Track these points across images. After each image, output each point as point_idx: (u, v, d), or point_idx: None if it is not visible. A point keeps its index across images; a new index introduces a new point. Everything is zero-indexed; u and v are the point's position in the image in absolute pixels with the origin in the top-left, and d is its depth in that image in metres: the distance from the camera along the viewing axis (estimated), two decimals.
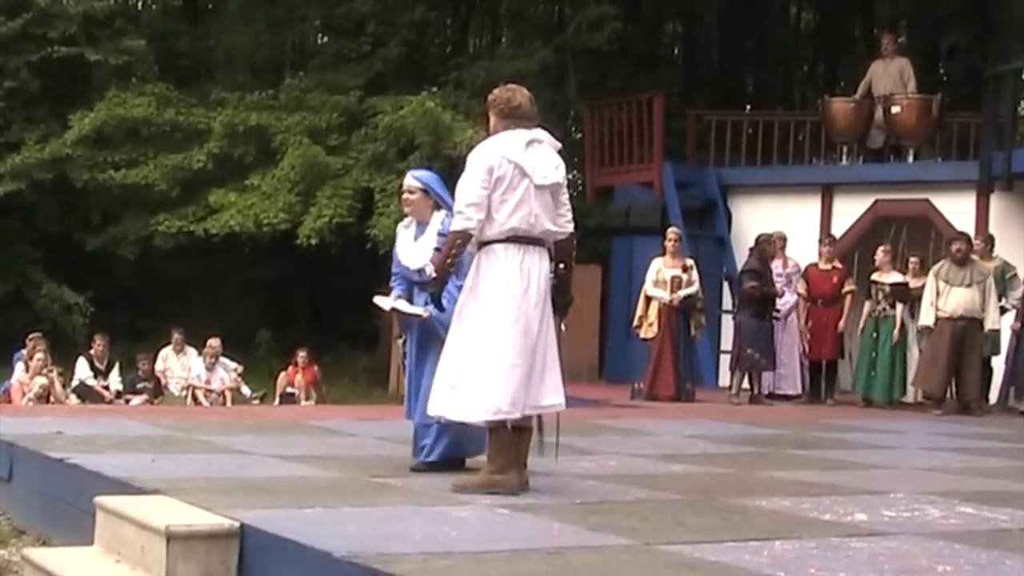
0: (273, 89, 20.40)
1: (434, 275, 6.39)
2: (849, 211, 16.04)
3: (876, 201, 15.76)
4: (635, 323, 13.63)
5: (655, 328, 13.34)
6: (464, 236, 6.13)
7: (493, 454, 6.18)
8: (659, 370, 13.31)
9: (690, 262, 13.60)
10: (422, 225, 6.95)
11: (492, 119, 6.33)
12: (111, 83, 20.30)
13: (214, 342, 16.24)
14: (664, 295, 13.36)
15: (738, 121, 18.31)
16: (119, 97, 19.87)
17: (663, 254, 13.65)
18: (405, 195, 6.99)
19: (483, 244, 6.14)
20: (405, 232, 7.06)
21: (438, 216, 6.89)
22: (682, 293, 13.35)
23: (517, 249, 6.12)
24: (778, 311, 13.56)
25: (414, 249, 6.93)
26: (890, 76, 16.39)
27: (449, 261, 6.23)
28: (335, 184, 19.02)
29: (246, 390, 16.34)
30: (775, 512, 6.01)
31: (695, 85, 24.50)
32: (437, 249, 6.55)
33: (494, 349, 6.03)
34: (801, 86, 25.78)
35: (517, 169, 6.13)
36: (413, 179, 7.01)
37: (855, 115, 16.55)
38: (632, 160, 17.57)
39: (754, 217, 16.41)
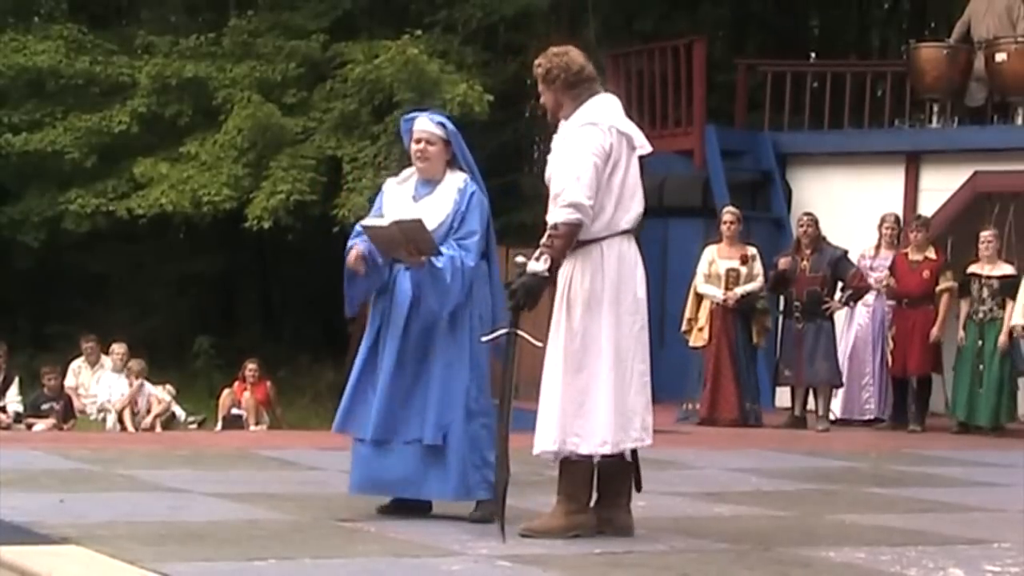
0: (214, 32, 20.40)
1: (546, 272, 6.24)
2: (941, 186, 16.01)
3: (975, 173, 15.74)
4: (683, 326, 13.64)
5: (705, 334, 13.34)
6: (578, 232, 6.27)
7: (574, 491, 6.36)
8: (718, 388, 13.32)
9: (752, 251, 13.58)
10: (428, 183, 6.85)
11: (552, 95, 6.47)
12: (7, 22, 20.28)
13: (119, 347, 16.26)
14: (716, 293, 13.36)
15: (800, 73, 18.28)
16: (18, 41, 19.86)
17: (718, 240, 13.66)
18: (421, 144, 6.84)
19: (594, 240, 6.30)
20: (399, 189, 6.94)
21: (454, 178, 6.82)
22: (739, 291, 13.36)
23: (632, 242, 6.42)
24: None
25: (412, 212, 6.75)
26: (995, 14, 16.33)
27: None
28: (293, 152, 19.03)
29: (180, 412, 16.34)
30: (847, 566, 6.00)
31: (746, 27, 24.49)
32: (547, 244, 6.29)
33: (623, 366, 6.31)
34: (881, 28, 25.74)
35: (627, 142, 6.41)
36: (435, 125, 6.87)
37: (949, 64, 16.51)
38: (666, 123, 17.55)
39: (820, 194, 16.37)
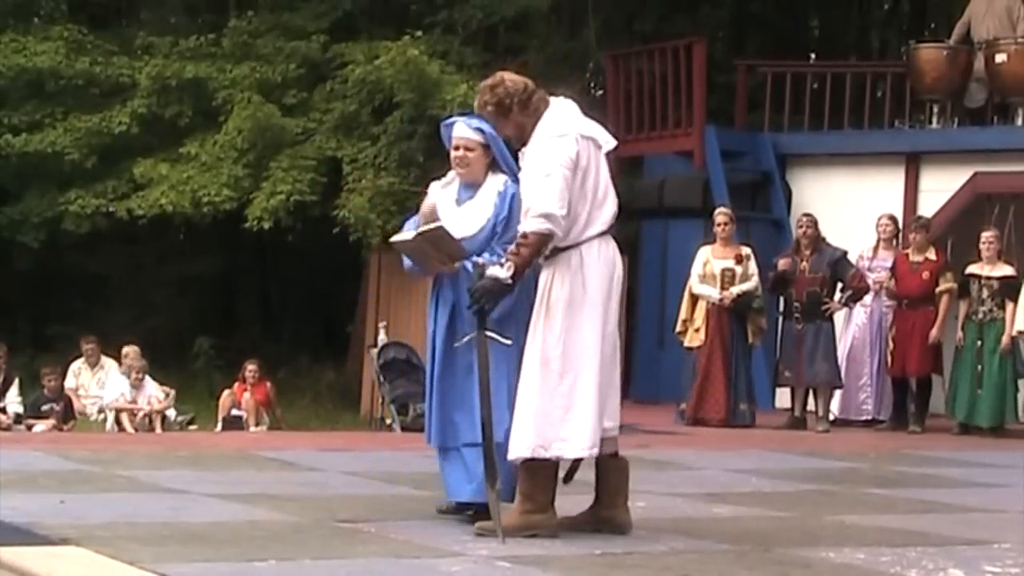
0: (214, 33, 20.40)
1: (509, 279, 6.23)
2: (941, 187, 16.02)
3: (975, 174, 15.75)
4: (678, 327, 13.68)
5: (702, 334, 13.38)
6: (548, 242, 6.26)
7: (532, 491, 6.31)
8: (706, 387, 13.34)
9: (746, 251, 13.61)
10: (470, 187, 6.81)
11: (512, 122, 6.46)
12: (7, 23, 20.29)
13: (131, 351, 16.24)
14: (712, 293, 13.38)
15: (800, 74, 18.28)
16: (17, 42, 19.87)
17: (713, 241, 13.68)
18: (460, 151, 6.79)
19: (573, 245, 6.30)
20: (442, 193, 6.90)
21: (495, 180, 6.77)
22: (735, 290, 13.37)
23: (610, 243, 6.42)
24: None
25: (455, 216, 6.74)
26: (995, 15, 16.34)
27: (528, 269, 6.32)
28: (293, 153, 19.03)
29: (171, 412, 16.31)
30: (847, 567, 6.01)
31: (746, 28, 24.49)
32: (513, 252, 6.29)
33: (607, 368, 6.35)
34: (881, 29, 25.76)
35: (594, 145, 6.41)
36: (472, 130, 6.80)
37: (949, 65, 16.51)
38: (666, 124, 17.54)
39: (820, 194, 16.38)
